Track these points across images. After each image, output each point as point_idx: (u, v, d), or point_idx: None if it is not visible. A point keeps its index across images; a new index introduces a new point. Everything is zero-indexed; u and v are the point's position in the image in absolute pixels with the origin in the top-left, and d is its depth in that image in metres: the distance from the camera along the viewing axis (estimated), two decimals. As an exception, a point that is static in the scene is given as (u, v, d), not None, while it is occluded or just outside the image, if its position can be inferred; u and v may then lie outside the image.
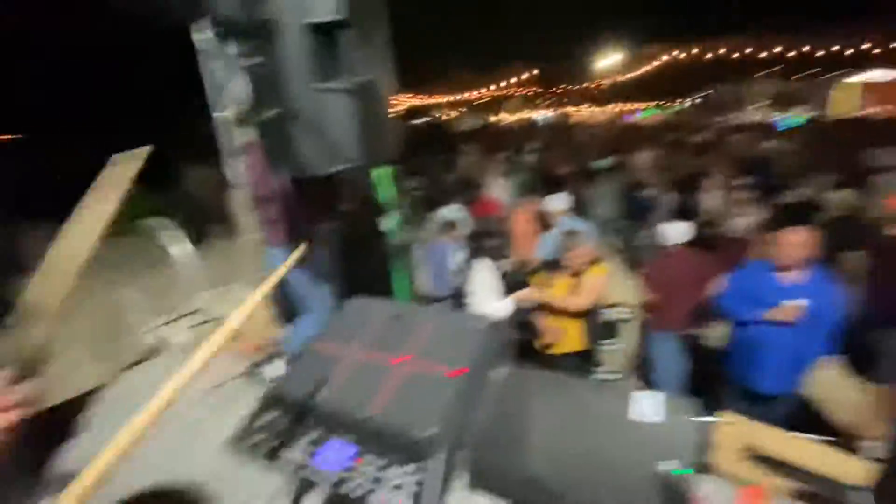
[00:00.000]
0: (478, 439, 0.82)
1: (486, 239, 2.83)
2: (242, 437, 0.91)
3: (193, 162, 7.48)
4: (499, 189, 5.26)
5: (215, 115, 2.81)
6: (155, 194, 7.90)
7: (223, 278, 4.66)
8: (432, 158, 7.03)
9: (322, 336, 1.11)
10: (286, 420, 0.92)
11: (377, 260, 2.54)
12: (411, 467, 0.77)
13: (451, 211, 3.77)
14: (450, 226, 3.49)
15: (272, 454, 0.87)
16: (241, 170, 2.74)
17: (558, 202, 3.56)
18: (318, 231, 2.53)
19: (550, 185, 3.97)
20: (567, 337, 2.82)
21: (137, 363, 3.64)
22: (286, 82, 1.70)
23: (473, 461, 0.81)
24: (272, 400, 0.97)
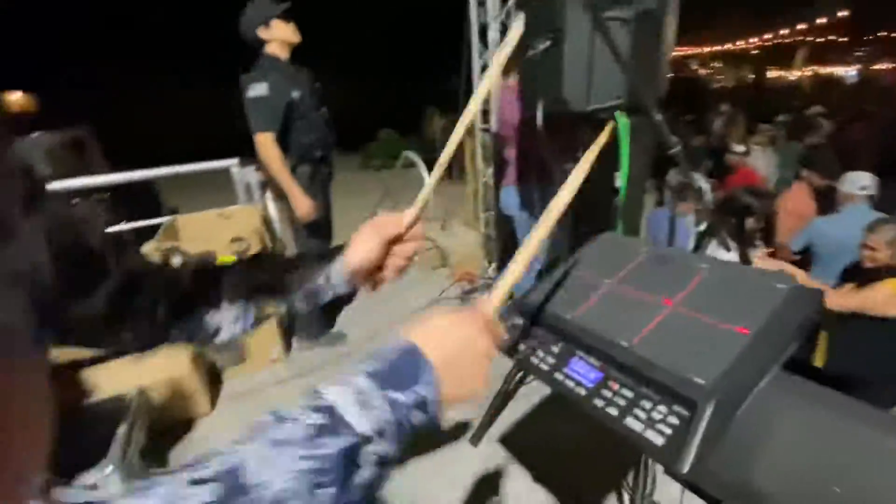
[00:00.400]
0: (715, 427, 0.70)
1: (736, 217, 2.36)
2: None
3: (440, 113, 8.37)
4: (763, 159, 4.30)
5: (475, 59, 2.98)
6: (406, 138, 9.20)
7: (449, 214, 5.24)
8: (679, 117, 6.18)
9: (577, 265, 1.11)
10: (535, 329, 0.97)
11: (602, 217, 2.40)
12: (672, 407, 0.72)
13: (695, 179, 3.27)
14: (694, 195, 3.04)
15: (523, 357, 0.94)
16: (496, 111, 2.91)
17: (861, 183, 2.70)
18: (555, 174, 2.52)
19: (848, 161, 3.04)
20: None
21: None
22: (560, 9, 1.66)
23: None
24: (518, 305, 1.04)
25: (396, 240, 0.68)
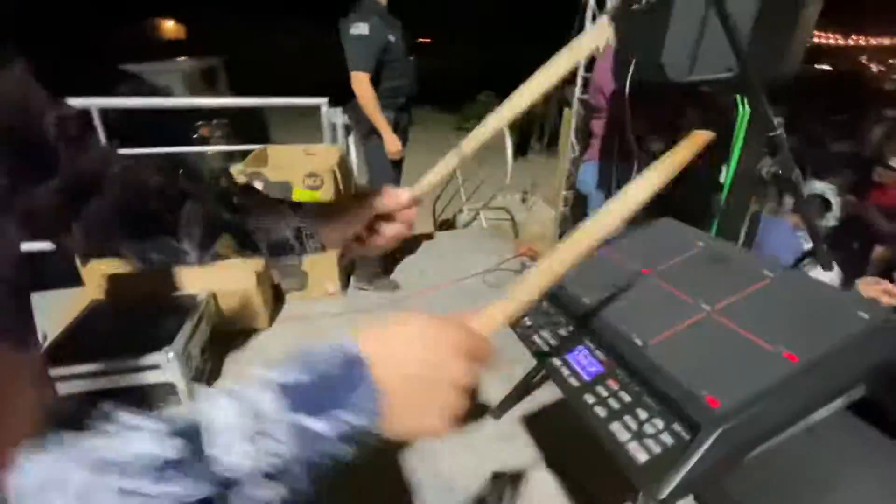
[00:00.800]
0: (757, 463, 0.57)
1: (861, 240, 1.94)
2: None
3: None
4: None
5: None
6: (494, 100, 8.94)
7: (528, 188, 5.04)
8: (820, 116, 5.23)
9: (618, 245, 0.99)
10: (549, 306, 0.88)
11: (697, 213, 2.11)
12: (671, 424, 0.61)
13: (824, 187, 2.76)
14: (822, 205, 2.57)
15: (525, 331, 0.87)
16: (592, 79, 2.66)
17: None
18: (636, 156, 2.27)
19: None
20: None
21: (448, 228, 4.47)
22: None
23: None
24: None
25: (386, 217, 0.62)
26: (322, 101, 2.97)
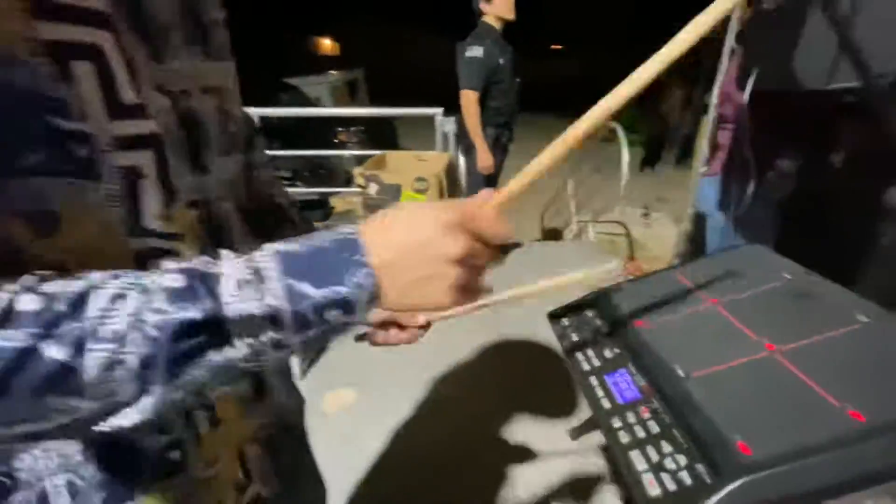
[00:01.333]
0: None
1: None
2: (556, 315, 0.94)
3: (681, 81, 7.24)
4: None
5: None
6: (637, 109, 8.38)
7: (651, 203, 4.65)
8: None
9: (691, 269, 0.91)
10: (600, 324, 0.86)
11: (853, 242, 1.75)
12: (694, 463, 0.57)
13: None
14: None
15: (571, 348, 0.86)
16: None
17: None
18: (769, 171, 1.97)
19: None
20: None
21: (553, 239, 4.36)
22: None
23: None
24: (600, 299, 0.92)
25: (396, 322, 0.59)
26: (437, 111, 3.15)
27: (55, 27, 0.32)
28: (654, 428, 0.63)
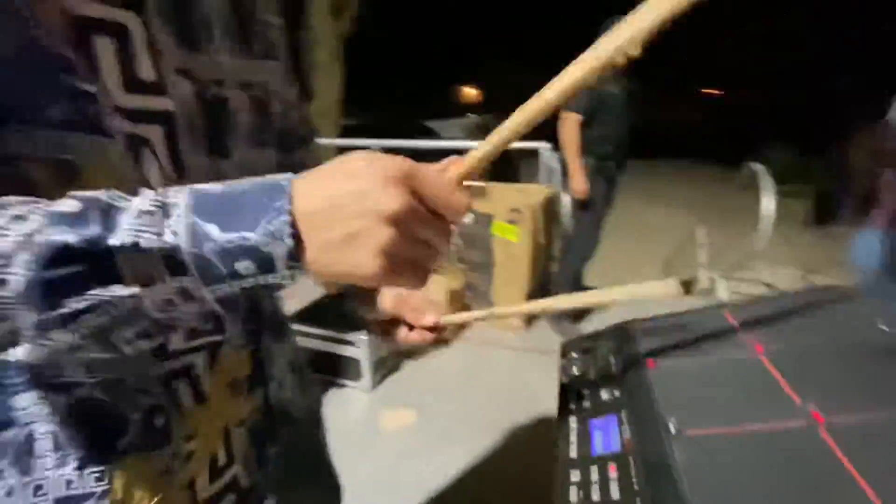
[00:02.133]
0: None
1: None
2: (569, 346, 0.78)
3: (859, 129, 5.97)
4: None
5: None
6: (809, 160, 7.19)
7: (820, 265, 3.83)
8: None
9: (748, 310, 0.68)
10: (613, 360, 0.69)
11: None
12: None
13: None
14: None
15: (566, 385, 0.70)
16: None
17: None
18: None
19: None
20: None
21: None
22: None
23: None
24: (619, 332, 0.74)
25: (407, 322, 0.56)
26: (542, 146, 3.09)
27: (83, 3, 0.35)
28: (615, 493, 0.46)
